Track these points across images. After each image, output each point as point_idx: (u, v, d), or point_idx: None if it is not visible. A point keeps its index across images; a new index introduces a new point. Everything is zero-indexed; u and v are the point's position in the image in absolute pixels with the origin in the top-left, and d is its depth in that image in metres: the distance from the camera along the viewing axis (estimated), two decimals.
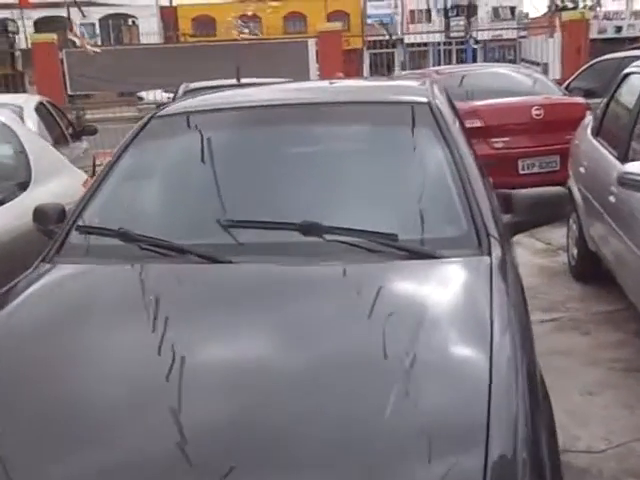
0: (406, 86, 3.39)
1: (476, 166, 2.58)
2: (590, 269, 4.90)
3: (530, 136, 6.69)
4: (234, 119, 2.76)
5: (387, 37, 32.78)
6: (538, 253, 5.95)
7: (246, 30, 11.63)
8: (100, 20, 43.55)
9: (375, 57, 40.97)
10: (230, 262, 2.10)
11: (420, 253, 2.09)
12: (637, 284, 3.61)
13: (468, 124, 6.54)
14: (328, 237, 2.14)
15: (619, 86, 4.53)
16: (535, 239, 6.32)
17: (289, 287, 2.04)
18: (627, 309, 4.12)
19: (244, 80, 7.00)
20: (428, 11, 42.98)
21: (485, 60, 35.98)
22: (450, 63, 36.70)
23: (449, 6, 41.05)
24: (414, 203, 2.33)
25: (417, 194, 2.37)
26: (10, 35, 24.04)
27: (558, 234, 5.81)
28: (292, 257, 2.13)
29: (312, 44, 11.98)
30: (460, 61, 37.77)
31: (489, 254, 2.14)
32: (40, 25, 40.84)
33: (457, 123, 3.08)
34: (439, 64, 32.95)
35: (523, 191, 2.52)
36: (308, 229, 2.16)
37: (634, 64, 4.40)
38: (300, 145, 2.65)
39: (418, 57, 38.40)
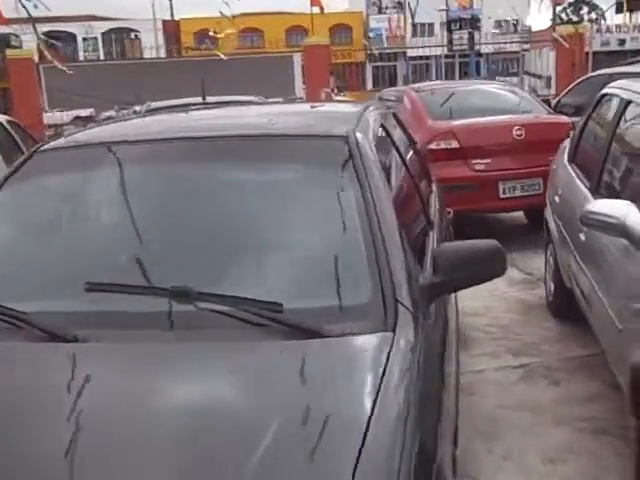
0: (333, 113, 2.98)
1: (399, 214, 2.21)
2: (567, 306, 4.47)
3: (511, 158, 6.28)
4: (119, 157, 2.37)
5: (378, 51, 32.62)
6: (516, 284, 5.52)
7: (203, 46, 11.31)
8: (103, 34, 43.64)
9: (377, 70, 40.83)
10: (75, 340, 1.72)
11: (303, 329, 1.69)
12: (603, 330, 3.20)
13: (444, 145, 6.18)
14: (202, 305, 1.77)
15: (595, 108, 4.13)
16: (516, 268, 5.90)
17: (128, 378, 1.64)
18: (603, 353, 3.71)
19: (211, 99, 6.63)
20: (431, 24, 42.76)
21: (488, 73, 35.69)
22: (453, 76, 36.43)
23: (452, 19, 40.83)
24: (311, 263, 1.95)
25: (315, 252, 1.98)
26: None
27: (541, 263, 5.39)
28: (151, 332, 1.75)
29: (297, 59, 11.62)
30: (464, 74, 37.49)
31: (393, 330, 1.74)
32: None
33: (391, 158, 2.69)
34: (442, 77, 32.69)
35: (448, 246, 2.11)
36: (178, 295, 1.78)
37: (611, 84, 3.99)
38: (186, 190, 2.23)
39: (421, 70, 38.25)
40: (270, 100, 7.08)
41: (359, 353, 1.67)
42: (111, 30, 43.10)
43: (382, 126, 2.78)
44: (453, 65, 40.53)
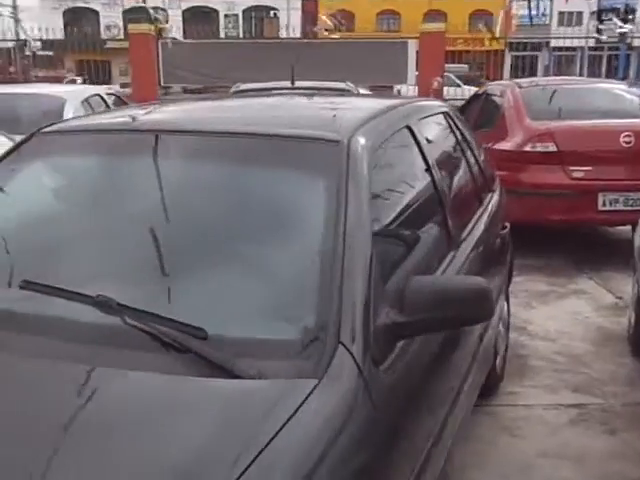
0: (348, 111, 2.67)
1: (386, 235, 1.93)
2: None
3: (616, 167, 5.65)
4: (96, 147, 2.22)
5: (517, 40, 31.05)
6: (602, 309, 4.98)
7: (326, 31, 11.09)
8: (244, 12, 44.61)
9: (517, 60, 39.08)
10: None
11: (213, 364, 1.47)
12: None
13: (540, 148, 5.67)
14: (116, 319, 1.58)
15: None
16: (608, 290, 5.34)
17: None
18: None
19: (302, 83, 6.43)
20: (579, 13, 40.32)
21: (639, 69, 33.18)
22: (599, 71, 34.15)
23: (603, 8, 38.21)
24: (253, 286, 1.71)
25: (261, 273, 1.73)
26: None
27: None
28: (60, 344, 1.58)
29: (412, 45, 11.15)
30: (613, 68, 35.07)
31: (320, 377, 1.47)
32: (188, 15, 42.41)
33: (407, 165, 2.38)
34: (586, 70, 30.71)
35: (421, 279, 1.79)
36: (102, 306, 1.60)
37: None
38: (146, 190, 2.03)
39: (565, 62, 36.17)
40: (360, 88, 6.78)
41: (259, 402, 1.41)
42: (252, 7, 43.94)
43: (408, 128, 2.46)
44: (600, 58, 38.06)
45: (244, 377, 1.45)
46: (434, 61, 10.58)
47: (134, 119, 2.40)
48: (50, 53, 27.88)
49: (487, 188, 3.38)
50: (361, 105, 2.80)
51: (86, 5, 45.21)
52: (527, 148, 5.77)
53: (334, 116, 2.38)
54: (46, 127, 2.42)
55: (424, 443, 1.86)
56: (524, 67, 32.42)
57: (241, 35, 43.91)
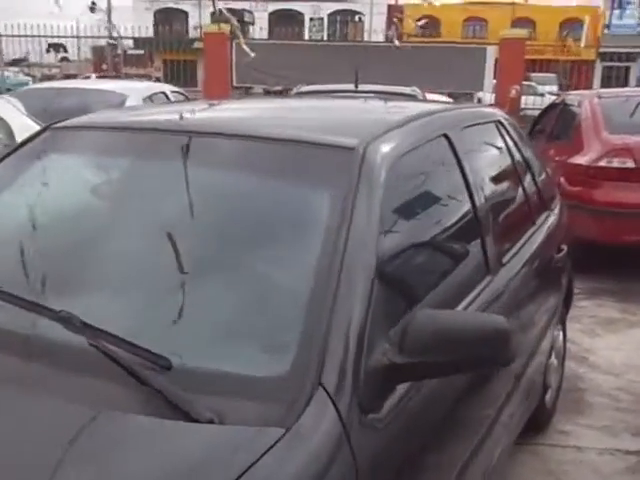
0: (375, 115, 2.41)
1: (398, 257, 1.70)
2: None
3: None
4: (116, 144, 2.06)
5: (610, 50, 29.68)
6: None
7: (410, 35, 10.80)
8: (329, 15, 44.71)
9: (608, 70, 37.51)
10: None
11: (168, 402, 1.27)
12: None
13: (618, 163, 5.27)
14: (77, 339, 1.41)
15: None
16: None
17: None
18: None
19: (364, 87, 6.21)
20: None
21: None
22: None
23: None
24: (232, 313, 1.51)
25: (242, 299, 1.53)
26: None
27: None
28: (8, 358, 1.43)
29: (491, 52, 10.70)
30: None
31: (289, 426, 1.26)
32: (274, 18, 42.90)
33: (435, 179, 2.13)
34: None
35: (426, 314, 1.54)
36: (65, 322, 1.44)
37: None
38: (142, 195, 1.87)
39: None
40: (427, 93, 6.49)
41: (206, 456, 1.20)
42: (337, 11, 43.99)
43: (446, 137, 2.21)
44: None
45: (201, 421, 1.25)
46: (513, 69, 10.14)
47: (143, 117, 2.24)
48: (141, 52, 28.70)
49: (543, 207, 3.07)
50: (393, 110, 2.55)
51: (176, 6, 46.36)
52: (603, 163, 5.36)
53: (359, 121, 2.15)
54: (58, 122, 2.30)
55: None
56: (616, 78, 31.10)
57: (325, 38, 44.04)
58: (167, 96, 6.91)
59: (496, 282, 2.19)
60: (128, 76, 23.24)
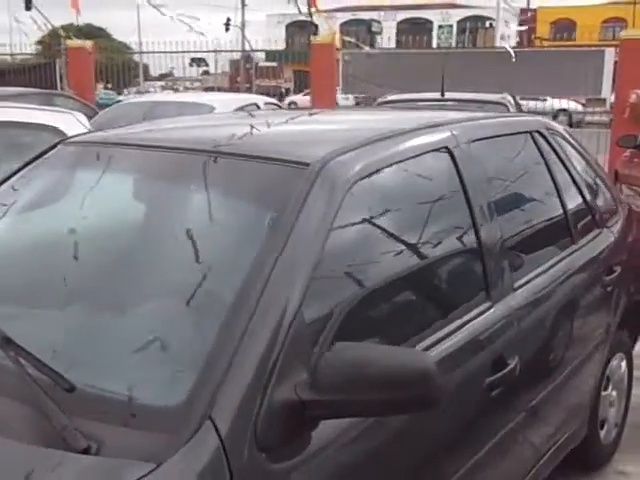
0: (362, 126, 2.26)
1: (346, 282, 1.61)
2: None
3: None
4: (109, 162, 2.06)
5: None
6: None
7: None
8: (458, 22, 43.98)
9: None
10: None
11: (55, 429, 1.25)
12: None
13: None
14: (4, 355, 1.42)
15: None
16: None
17: None
18: None
19: (450, 95, 6.01)
20: None
21: None
22: None
23: None
24: (142, 334, 1.46)
25: (157, 319, 1.49)
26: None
27: None
28: None
29: (611, 54, 9.97)
30: None
31: (160, 461, 1.19)
32: (403, 26, 42.79)
33: (425, 202, 1.99)
34: None
35: (342, 347, 1.41)
36: None
37: None
38: (125, 210, 1.88)
39: None
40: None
41: None
42: (467, 18, 43.17)
43: (447, 150, 2.06)
44: None
45: (76, 450, 1.21)
46: (634, 71, 9.44)
47: (138, 133, 2.26)
48: (273, 64, 29.68)
49: (594, 224, 2.80)
50: (384, 122, 2.39)
51: (307, 18, 47.45)
52: None
53: (335, 135, 2.05)
54: (71, 137, 2.37)
55: None
56: None
57: (453, 45, 43.40)
58: (259, 107, 7.04)
59: (499, 309, 2.01)
60: (260, 87, 24.11)
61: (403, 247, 1.81)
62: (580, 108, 21.35)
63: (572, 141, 2.96)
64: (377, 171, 1.79)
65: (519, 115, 3.58)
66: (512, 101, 6.23)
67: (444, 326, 1.80)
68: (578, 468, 3.00)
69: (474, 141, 2.20)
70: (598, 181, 3.03)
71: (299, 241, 1.50)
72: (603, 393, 2.92)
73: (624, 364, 3.12)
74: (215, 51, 19.26)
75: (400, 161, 1.89)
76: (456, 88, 7.11)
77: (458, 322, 1.85)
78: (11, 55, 18.71)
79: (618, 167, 8.16)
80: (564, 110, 22.25)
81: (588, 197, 2.83)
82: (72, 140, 2.30)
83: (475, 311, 1.93)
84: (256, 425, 1.28)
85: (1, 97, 5.41)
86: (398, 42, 36.47)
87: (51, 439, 1.23)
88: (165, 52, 15.17)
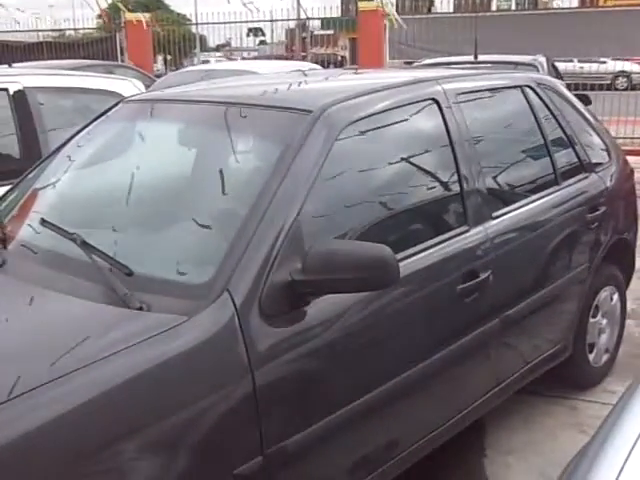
0: (356, 82, 2.71)
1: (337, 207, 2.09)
2: None
3: None
4: (159, 114, 2.58)
5: None
6: None
7: None
8: None
9: None
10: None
11: (117, 295, 1.77)
12: None
13: None
14: (77, 252, 1.96)
15: None
16: None
17: None
18: None
19: (482, 57, 6.29)
20: None
21: None
22: None
23: None
24: (181, 236, 1.98)
25: (192, 225, 1.97)
26: None
27: None
28: (38, 267, 2.01)
29: None
30: None
31: (191, 315, 1.70)
32: None
33: (408, 146, 2.42)
34: None
35: (325, 242, 1.89)
36: (75, 240, 2.00)
37: None
38: (171, 149, 2.40)
39: None
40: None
41: (123, 328, 1.68)
42: None
43: (435, 101, 2.48)
44: None
45: (132, 307, 1.73)
46: None
47: (182, 92, 2.76)
48: (329, 32, 29.82)
49: (581, 169, 3.16)
50: (378, 77, 2.83)
51: None
52: None
53: (337, 88, 2.50)
54: (131, 97, 2.88)
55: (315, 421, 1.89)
56: None
57: (513, 7, 42.43)
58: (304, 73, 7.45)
59: (473, 232, 2.43)
60: (315, 56, 24.37)
61: (389, 175, 2.27)
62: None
63: (566, 95, 3.32)
64: (368, 116, 2.23)
65: (514, 72, 3.92)
66: (544, 63, 6.47)
67: (422, 242, 2.24)
68: (571, 386, 3.40)
69: (460, 94, 2.61)
70: (590, 132, 3.37)
71: (300, 168, 1.98)
72: (591, 320, 3.29)
73: (616, 297, 3.48)
74: (270, 20, 19.61)
75: (389, 109, 2.33)
76: (504, 51, 7.36)
77: (436, 239, 2.29)
78: (74, 30, 19.52)
79: None
80: (623, 72, 21.85)
81: (576, 145, 3.18)
82: (131, 99, 2.82)
83: (452, 232, 2.37)
84: (260, 298, 1.77)
85: (67, 69, 5.99)
86: (457, 5, 35.95)
87: (116, 302, 1.75)
88: (221, 23, 15.64)
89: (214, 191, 2.06)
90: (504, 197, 2.69)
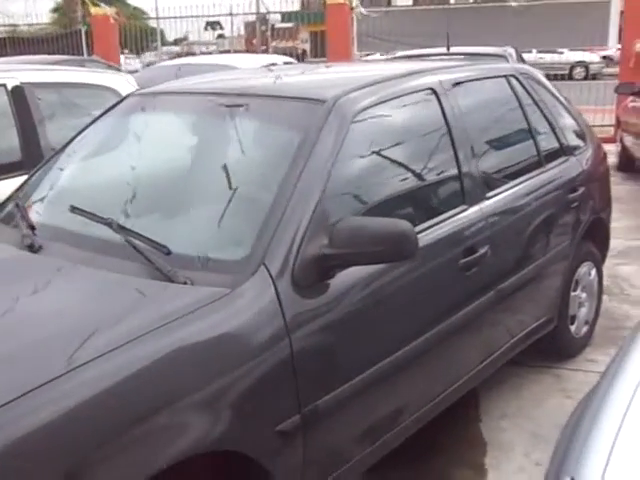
0: (364, 73, 2.91)
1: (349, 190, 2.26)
2: None
3: None
4: (171, 106, 2.74)
5: None
6: None
7: None
8: None
9: None
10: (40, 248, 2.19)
11: (160, 271, 1.92)
12: None
13: None
14: (115, 236, 2.10)
15: None
16: None
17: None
18: None
19: (456, 49, 6.51)
20: None
21: None
22: None
23: None
24: (215, 216, 2.12)
25: (224, 206, 2.12)
26: None
27: None
28: (75, 250, 2.14)
29: (616, 4, 10.32)
30: None
31: (233, 287, 1.87)
32: None
33: (412, 133, 2.61)
34: None
35: (351, 219, 2.08)
36: (110, 224, 2.14)
37: None
38: (191, 139, 2.56)
39: None
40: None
41: (171, 300, 1.83)
42: None
43: (433, 91, 2.67)
44: None
45: (176, 282, 1.88)
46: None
47: (191, 85, 2.90)
48: (288, 25, 29.84)
49: (561, 152, 3.39)
50: (379, 69, 3.03)
51: None
52: None
53: (345, 79, 2.68)
54: (138, 90, 3.01)
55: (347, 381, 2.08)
56: None
57: (472, 0, 42.96)
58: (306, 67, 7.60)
59: (471, 211, 2.64)
60: (276, 49, 24.40)
61: (395, 159, 2.46)
62: (597, 60, 21.54)
63: (545, 84, 3.55)
64: (376, 104, 2.42)
65: (497, 63, 4.17)
66: (513, 54, 6.73)
67: (427, 220, 2.43)
68: (554, 356, 3.64)
69: (455, 84, 2.81)
70: (568, 117, 3.61)
71: (320, 153, 2.15)
72: (572, 294, 3.53)
73: (594, 272, 3.73)
74: (230, 14, 19.57)
75: (394, 98, 2.53)
76: (467, 43, 7.60)
77: (439, 217, 2.49)
78: (29, 25, 19.26)
79: (619, 114, 8.64)
80: (581, 62, 22.44)
81: (557, 130, 3.41)
82: (138, 93, 2.95)
83: (453, 211, 2.57)
84: (293, 270, 1.94)
85: (48, 64, 6.01)
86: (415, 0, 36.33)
87: (161, 277, 1.91)
88: (179, 17, 15.60)
89: (241, 176, 2.22)
90: (495, 179, 2.90)
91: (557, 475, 1.54)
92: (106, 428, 1.54)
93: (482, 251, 2.60)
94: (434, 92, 2.69)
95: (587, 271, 3.66)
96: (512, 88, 3.21)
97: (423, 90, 2.67)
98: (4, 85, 3.74)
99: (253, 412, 1.80)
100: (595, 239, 3.67)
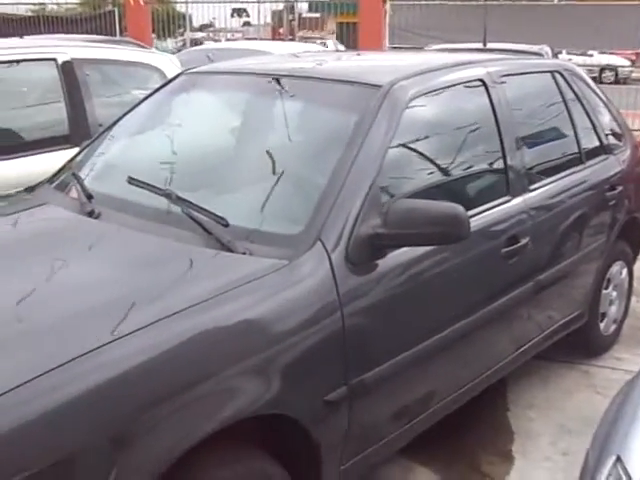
0: (418, 61, 2.96)
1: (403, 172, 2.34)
2: None
3: None
4: (225, 85, 2.81)
5: None
6: None
7: None
8: None
9: None
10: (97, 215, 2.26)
11: (220, 242, 1.99)
12: None
13: None
14: (173, 206, 2.17)
15: None
16: None
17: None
18: None
19: (492, 45, 6.55)
20: None
21: None
22: None
23: None
24: (274, 193, 2.18)
25: (283, 184, 2.19)
26: None
27: None
28: (134, 218, 2.20)
29: None
30: None
31: (291, 259, 1.94)
32: None
33: (462, 121, 2.67)
34: None
35: (404, 201, 2.13)
36: (168, 197, 2.21)
37: None
38: (246, 117, 2.64)
39: None
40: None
41: (234, 268, 1.90)
42: None
43: (482, 82, 2.72)
44: None
45: (236, 252, 1.96)
46: None
47: (247, 65, 2.97)
48: (316, 15, 29.79)
49: (602, 150, 3.43)
50: (433, 58, 3.08)
51: None
52: None
53: (401, 67, 2.73)
54: (190, 69, 3.08)
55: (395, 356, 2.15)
56: None
57: None
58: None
59: (515, 202, 2.69)
60: (302, 39, 24.38)
61: (444, 147, 2.52)
62: (627, 64, 21.27)
63: (588, 81, 3.58)
64: (428, 93, 2.47)
65: (543, 59, 4.20)
66: (550, 52, 6.75)
67: (472, 207, 2.48)
68: (582, 352, 3.68)
69: (503, 76, 2.85)
70: (608, 116, 3.64)
71: (375, 136, 2.20)
72: (604, 291, 3.57)
73: (625, 271, 3.76)
74: (257, 1, 19.56)
75: (445, 87, 2.57)
76: (502, 39, 7.61)
77: (484, 206, 2.54)
78: (57, 4, 19.34)
79: None
80: (610, 65, 22.18)
81: (598, 128, 3.45)
82: (191, 71, 3.02)
83: (498, 201, 2.62)
84: (347, 247, 2.00)
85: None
86: None
87: (222, 247, 1.98)
88: (207, 1, 15.63)
89: (296, 154, 2.29)
90: (538, 172, 2.94)
91: (601, 454, 1.59)
92: (155, 393, 1.59)
93: (524, 241, 2.65)
94: (483, 83, 2.73)
95: (619, 270, 3.69)
96: (557, 84, 3.25)
97: (472, 81, 2.72)
98: (55, 60, 3.82)
99: (304, 380, 1.87)
100: (629, 238, 3.70)
